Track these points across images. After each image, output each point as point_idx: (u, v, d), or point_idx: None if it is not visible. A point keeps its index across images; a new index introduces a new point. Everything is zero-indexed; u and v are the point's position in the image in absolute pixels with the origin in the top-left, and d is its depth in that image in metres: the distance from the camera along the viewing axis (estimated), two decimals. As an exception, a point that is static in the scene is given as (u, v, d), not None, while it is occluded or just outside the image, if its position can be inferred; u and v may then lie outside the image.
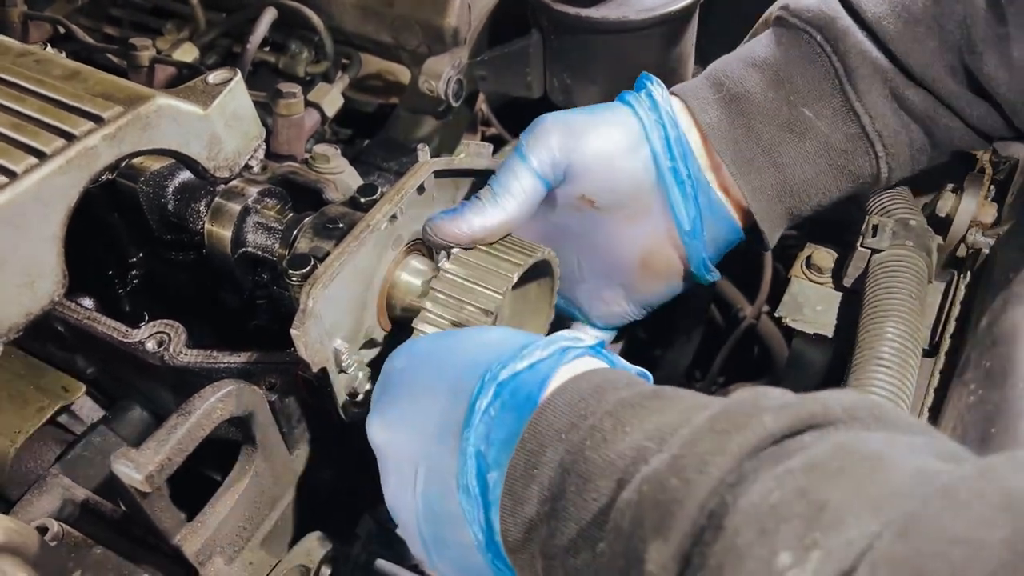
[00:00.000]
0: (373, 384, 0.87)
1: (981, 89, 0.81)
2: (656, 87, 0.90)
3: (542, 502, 0.61)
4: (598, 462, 0.58)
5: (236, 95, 0.78)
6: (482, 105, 1.56)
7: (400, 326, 0.90)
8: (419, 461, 0.70)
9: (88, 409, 1.06)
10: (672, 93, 0.91)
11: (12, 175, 0.64)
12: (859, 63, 0.82)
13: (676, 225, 0.91)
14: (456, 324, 0.82)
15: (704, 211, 0.91)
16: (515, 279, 0.82)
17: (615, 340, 1.43)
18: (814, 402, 0.52)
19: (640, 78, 0.92)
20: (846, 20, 0.82)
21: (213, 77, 0.78)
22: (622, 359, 0.74)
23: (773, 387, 0.56)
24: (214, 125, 0.77)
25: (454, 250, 0.86)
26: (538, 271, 0.94)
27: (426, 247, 0.91)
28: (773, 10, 0.91)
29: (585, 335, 0.75)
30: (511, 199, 0.86)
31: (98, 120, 0.70)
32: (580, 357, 0.70)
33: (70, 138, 0.68)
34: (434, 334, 0.80)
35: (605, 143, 0.88)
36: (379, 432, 0.75)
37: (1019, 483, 0.41)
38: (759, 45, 0.90)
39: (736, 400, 0.54)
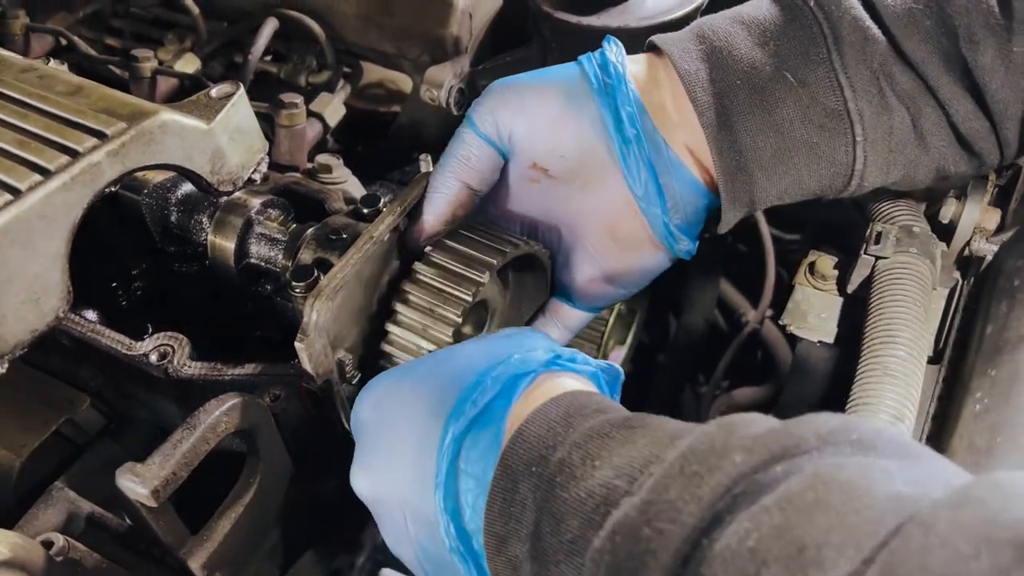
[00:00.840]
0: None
1: (972, 86, 0.78)
2: (612, 46, 0.85)
3: (522, 540, 0.61)
4: (569, 501, 0.57)
5: (239, 109, 0.78)
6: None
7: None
8: (406, 512, 0.70)
9: (93, 421, 1.06)
10: (652, 45, 0.86)
11: (16, 192, 0.64)
12: (851, 32, 0.78)
13: (630, 191, 0.85)
14: (426, 328, 0.82)
15: (663, 174, 0.84)
16: (485, 280, 0.82)
17: (618, 344, 1.43)
18: (786, 434, 0.51)
19: (605, 40, 0.87)
20: None
21: (216, 91, 0.78)
22: (586, 361, 0.73)
23: (749, 415, 0.55)
24: (218, 139, 0.77)
25: (427, 249, 0.85)
26: (531, 269, 0.93)
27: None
28: None
29: (540, 344, 0.75)
30: (461, 168, 0.84)
31: (102, 136, 0.70)
32: (536, 379, 0.68)
33: (74, 155, 0.68)
34: (391, 375, 0.78)
35: (547, 102, 0.84)
36: (362, 484, 0.75)
37: (996, 512, 0.40)
38: (750, 5, 0.85)
39: (706, 435, 0.53)
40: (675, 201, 0.86)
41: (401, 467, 0.70)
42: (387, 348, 0.85)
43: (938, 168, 0.84)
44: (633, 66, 0.86)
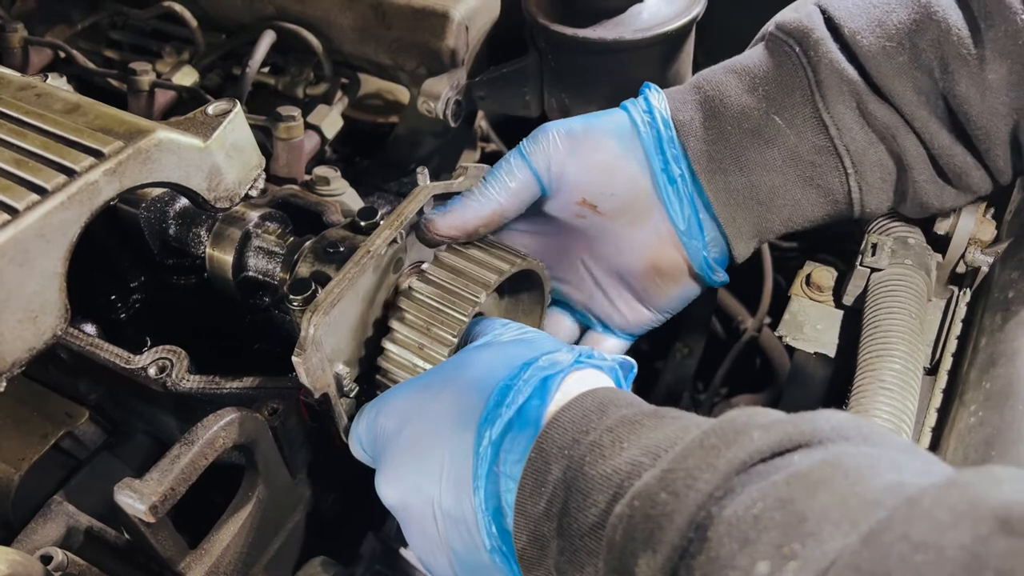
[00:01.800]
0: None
1: (952, 119, 0.82)
2: (653, 92, 0.92)
3: (550, 518, 0.62)
4: (596, 477, 0.59)
5: (236, 126, 0.78)
6: (481, 121, 1.57)
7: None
8: (438, 518, 0.71)
9: (92, 435, 1.06)
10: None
11: (14, 212, 0.65)
12: (829, 74, 0.83)
13: (673, 226, 0.92)
14: (422, 347, 0.83)
15: (703, 212, 0.92)
16: (481, 300, 0.82)
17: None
18: (803, 421, 0.53)
19: (642, 86, 0.93)
20: (823, 31, 0.84)
21: (212, 108, 0.78)
22: (602, 356, 0.75)
23: (767, 408, 0.57)
24: (214, 157, 0.77)
25: (424, 265, 0.87)
26: (527, 281, 0.94)
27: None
28: (767, 27, 0.92)
29: (550, 344, 0.77)
30: (503, 191, 0.88)
31: (99, 155, 0.70)
32: (564, 377, 0.70)
33: (71, 174, 0.68)
34: (410, 386, 0.79)
35: (602, 147, 0.90)
36: (390, 493, 0.75)
37: (984, 492, 0.41)
38: (745, 55, 0.92)
39: (728, 418, 0.56)
40: (713, 235, 0.93)
41: (432, 474, 0.70)
42: (384, 364, 0.85)
43: (921, 203, 0.88)
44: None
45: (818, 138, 0.86)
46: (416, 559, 0.77)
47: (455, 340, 0.81)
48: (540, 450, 0.65)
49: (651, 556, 0.51)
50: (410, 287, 0.85)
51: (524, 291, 0.97)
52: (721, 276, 0.96)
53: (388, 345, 0.84)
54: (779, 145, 0.87)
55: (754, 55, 0.90)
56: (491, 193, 0.88)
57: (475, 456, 0.67)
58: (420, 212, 0.87)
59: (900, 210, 0.91)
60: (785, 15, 0.89)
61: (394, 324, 0.84)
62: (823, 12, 0.85)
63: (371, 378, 0.87)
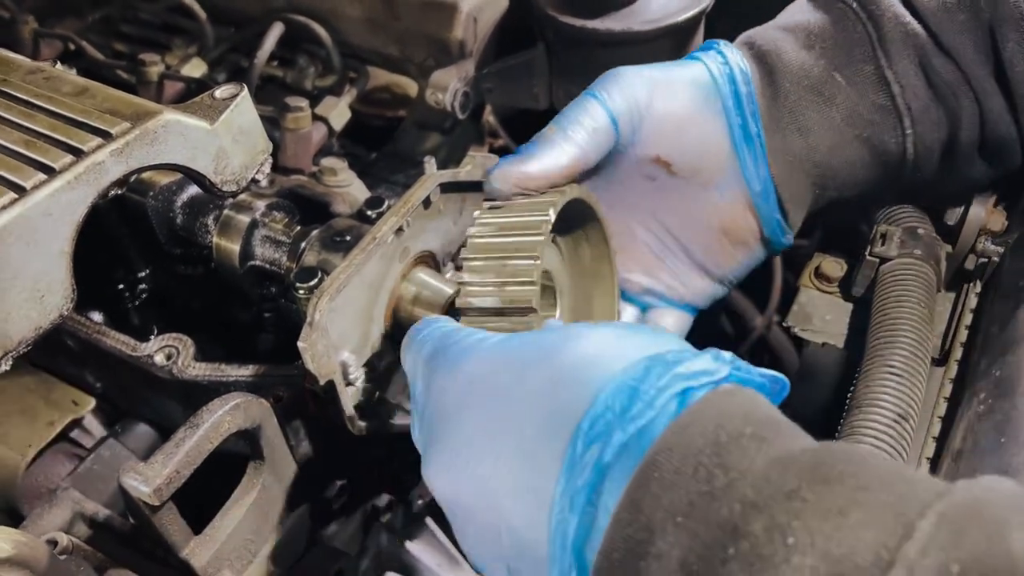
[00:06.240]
0: (380, 396, 0.87)
1: (1004, 83, 0.80)
2: (726, 45, 0.86)
3: None
4: None
5: (243, 110, 0.78)
6: (489, 116, 1.57)
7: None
8: (503, 534, 0.55)
9: (97, 423, 1.07)
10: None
11: (22, 191, 0.65)
12: (892, 28, 0.80)
13: (747, 186, 0.86)
14: (502, 287, 0.72)
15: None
16: (552, 217, 0.73)
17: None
18: None
19: (707, 42, 0.88)
20: None
21: (220, 92, 0.78)
22: (748, 370, 0.55)
23: (995, 480, 0.42)
24: (221, 140, 0.77)
25: (475, 213, 0.77)
26: (581, 223, 0.85)
27: (432, 259, 0.91)
28: None
29: (675, 342, 0.57)
30: (583, 132, 0.78)
31: (106, 136, 0.70)
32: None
33: (78, 154, 0.68)
34: (500, 345, 0.62)
35: (681, 97, 0.83)
36: (440, 483, 0.60)
37: None
38: (792, 11, 0.88)
39: (966, 519, 0.38)
40: (782, 196, 0.87)
41: (502, 479, 0.54)
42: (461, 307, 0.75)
43: (959, 176, 0.85)
44: None
45: (879, 96, 0.82)
46: (468, 555, 0.60)
47: (536, 263, 0.71)
48: (636, 506, 0.46)
49: None
50: (467, 235, 0.76)
51: (585, 254, 0.90)
52: (790, 239, 0.90)
53: (467, 301, 0.74)
54: (839, 104, 0.82)
55: (803, 10, 0.86)
56: (574, 135, 0.77)
57: (565, 474, 0.50)
58: (427, 202, 0.86)
59: (931, 190, 0.88)
60: None
61: (464, 276, 0.74)
62: None
63: (378, 364, 0.86)
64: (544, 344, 0.58)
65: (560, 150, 0.76)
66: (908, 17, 0.80)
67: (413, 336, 0.70)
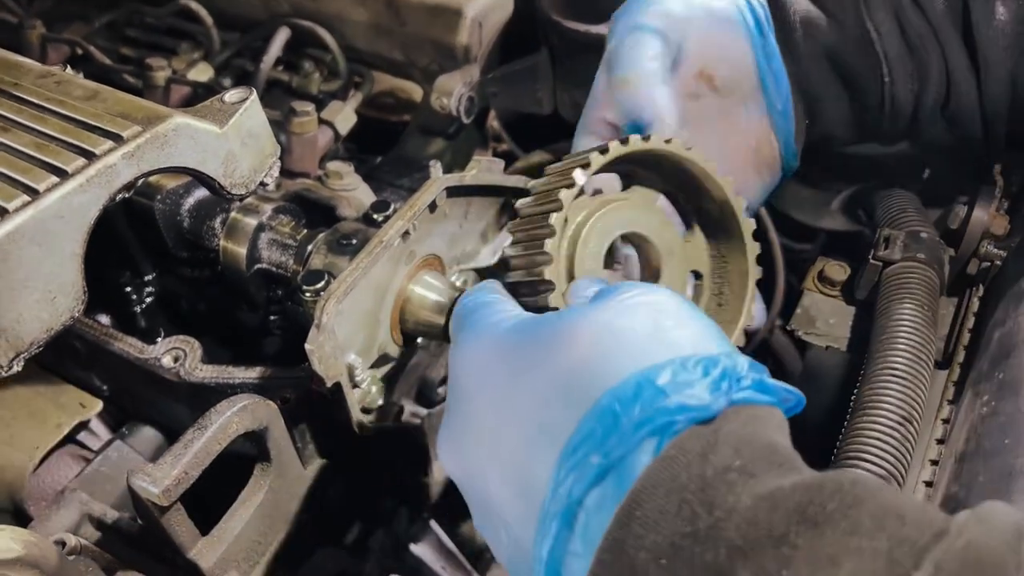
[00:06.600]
0: (386, 399, 0.87)
1: (969, 39, 0.83)
2: None
3: None
4: None
5: (252, 114, 0.79)
6: (493, 121, 1.57)
7: (413, 341, 0.91)
8: (499, 523, 0.54)
9: (105, 425, 1.07)
10: None
11: (35, 193, 0.65)
12: None
13: (768, 104, 0.90)
14: (525, 258, 0.70)
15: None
16: (581, 181, 0.70)
17: None
18: None
19: None
20: None
21: (229, 96, 0.79)
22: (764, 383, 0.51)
23: (999, 504, 0.41)
24: (230, 143, 0.78)
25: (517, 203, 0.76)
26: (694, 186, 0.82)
27: (438, 262, 0.91)
28: None
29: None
30: (654, 65, 0.85)
31: (117, 139, 0.71)
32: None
33: (90, 157, 0.69)
34: (515, 330, 0.61)
35: (714, 14, 0.87)
36: (450, 462, 0.60)
37: None
38: None
39: (963, 567, 0.37)
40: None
41: (504, 472, 0.53)
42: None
43: (920, 135, 0.91)
44: None
45: (859, 37, 0.86)
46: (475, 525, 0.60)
47: (551, 230, 0.69)
48: (618, 550, 0.43)
49: None
50: (516, 208, 0.75)
51: (725, 233, 0.84)
52: (797, 162, 0.94)
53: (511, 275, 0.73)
54: (823, 38, 0.87)
55: None
56: (651, 73, 0.85)
57: (552, 487, 0.48)
58: (432, 206, 0.87)
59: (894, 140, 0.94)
60: None
61: (507, 251, 0.74)
62: None
63: (385, 366, 0.87)
64: (557, 328, 0.56)
65: (665, 92, 0.84)
66: None
67: (460, 300, 0.71)
